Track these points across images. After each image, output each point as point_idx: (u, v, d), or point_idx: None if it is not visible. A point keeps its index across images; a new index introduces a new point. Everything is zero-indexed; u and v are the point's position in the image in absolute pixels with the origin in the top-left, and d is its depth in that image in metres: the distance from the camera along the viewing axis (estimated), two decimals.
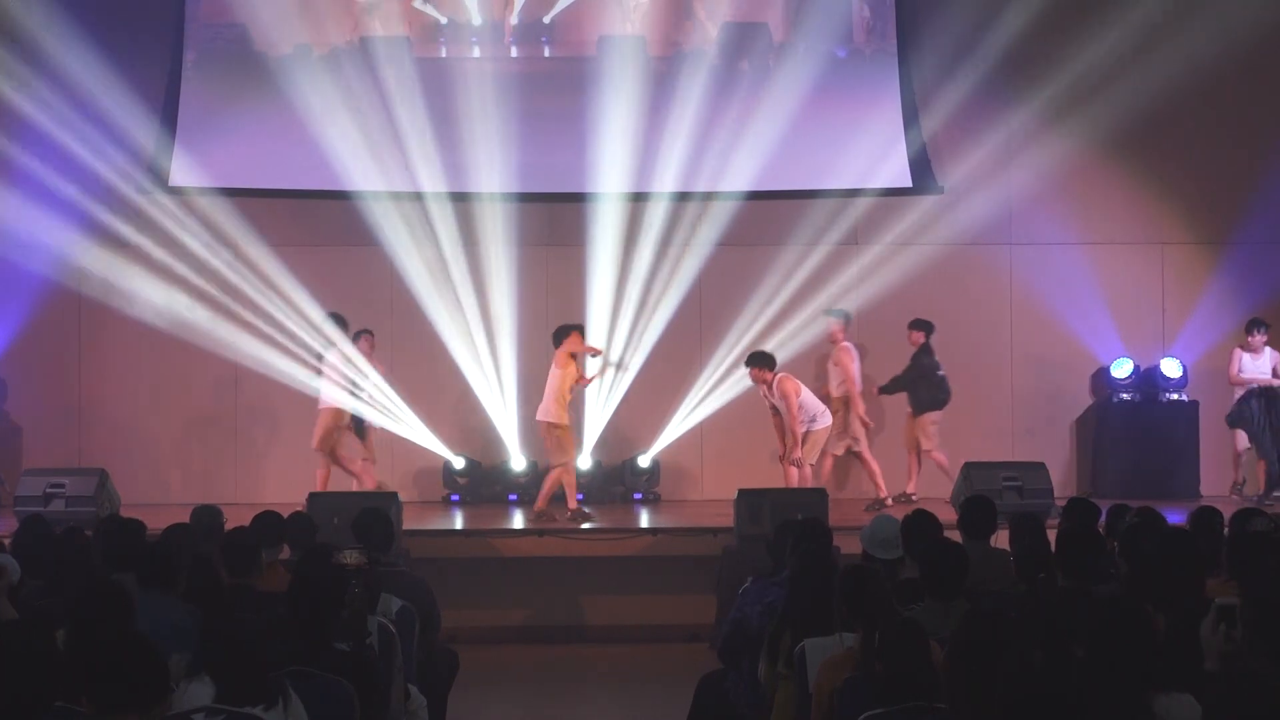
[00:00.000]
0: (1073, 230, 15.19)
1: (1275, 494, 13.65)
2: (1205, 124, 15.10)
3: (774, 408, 13.03)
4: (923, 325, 13.96)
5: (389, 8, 15.25)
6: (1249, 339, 13.95)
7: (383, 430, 14.09)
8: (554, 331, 13.09)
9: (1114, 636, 4.51)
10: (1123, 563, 7.05)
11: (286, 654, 5.29)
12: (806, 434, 12.96)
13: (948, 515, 8.72)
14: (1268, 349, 13.92)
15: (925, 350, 13.92)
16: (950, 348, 14.77)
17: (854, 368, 13.66)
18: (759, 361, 13.10)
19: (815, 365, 14.44)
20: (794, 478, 12.94)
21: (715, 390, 14.43)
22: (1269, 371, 13.87)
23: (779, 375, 12.99)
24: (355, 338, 13.80)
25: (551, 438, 12.93)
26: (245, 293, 14.59)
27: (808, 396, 12.99)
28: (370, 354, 13.75)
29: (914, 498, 13.53)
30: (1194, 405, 14.74)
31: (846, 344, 13.83)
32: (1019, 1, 14.74)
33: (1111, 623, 4.56)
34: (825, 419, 13.07)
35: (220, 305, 14.61)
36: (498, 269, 14.83)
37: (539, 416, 12.98)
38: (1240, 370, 13.91)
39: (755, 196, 14.82)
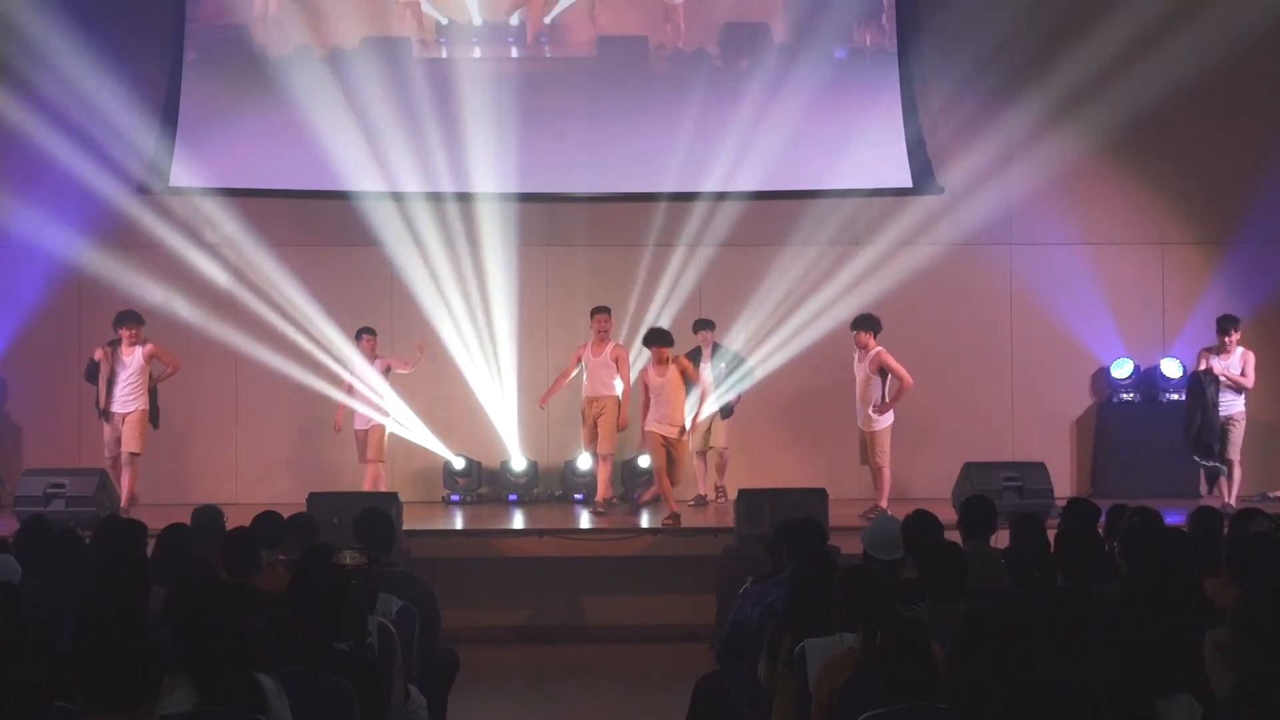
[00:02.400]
0: (1073, 230, 15.19)
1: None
2: (1205, 124, 15.09)
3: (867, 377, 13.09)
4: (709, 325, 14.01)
5: (390, 8, 15.26)
6: (1225, 340, 13.40)
7: (392, 433, 14.07)
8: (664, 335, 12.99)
9: (1123, 639, 4.50)
10: (1123, 563, 7.05)
11: (287, 654, 5.29)
12: (875, 434, 13.03)
13: (948, 515, 8.71)
14: (1239, 349, 13.49)
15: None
16: (950, 348, 14.79)
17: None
18: (870, 325, 13.12)
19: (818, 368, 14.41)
20: (885, 480, 13.10)
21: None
22: (1238, 372, 13.45)
23: (879, 349, 13.02)
24: (357, 337, 13.83)
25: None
26: (246, 292, 14.60)
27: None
28: (372, 354, 13.77)
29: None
30: None
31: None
32: (1019, 1, 14.75)
33: (1121, 625, 4.55)
34: (892, 415, 13.09)
35: (220, 305, 14.63)
36: (498, 269, 14.85)
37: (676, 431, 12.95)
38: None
39: (756, 197, 14.82)
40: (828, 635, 5.86)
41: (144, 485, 13.65)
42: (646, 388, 12.90)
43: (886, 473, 13.10)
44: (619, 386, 13.24)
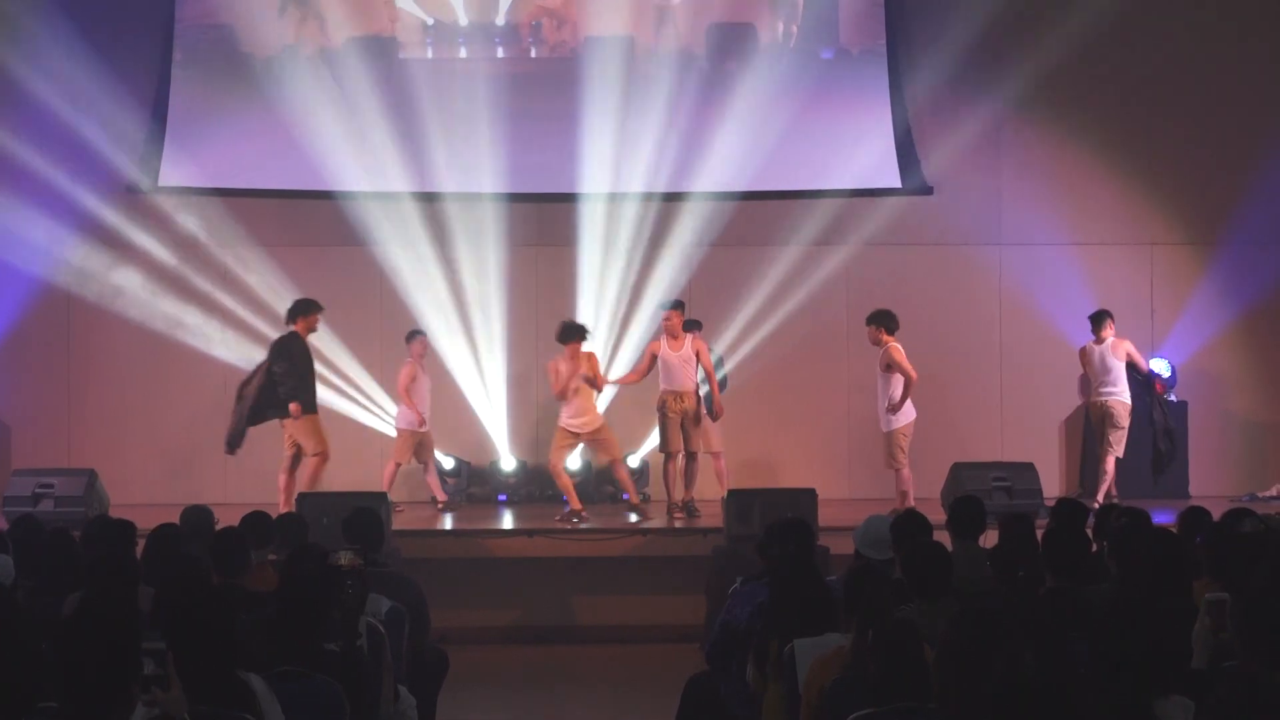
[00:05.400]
0: (1062, 230, 15.20)
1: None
2: (1194, 125, 15.12)
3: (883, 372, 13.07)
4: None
5: (375, 8, 15.25)
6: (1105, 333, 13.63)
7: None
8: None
9: (1120, 640, 4.51)
10: (1113, 564, 7.06)
11: (276, 654, 5.28)
12: (886, 435, 12.99)
13: (937, 515, 8.71)
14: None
15: None
16: (939, 348, 14.79)
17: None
18: (878, 320, 13.01)
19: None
20: (906, 481, 13.00)
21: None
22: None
23: (890, 343, 12.92)
24: (409, 339, 13.89)
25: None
26: (235, 292, 14.60)
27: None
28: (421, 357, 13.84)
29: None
30: (1182, 405, 14.75)
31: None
32: (1008, 2, 14.75)
33: (1117, 626, 4.56)
34: (909, 414, 13.01)
35: (210, 304, 14.63)
36: (487, 269, 14.84)
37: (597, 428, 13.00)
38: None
39: (745, 197, 14.83)
40: (815, 635, 5.86)
41: (134, 485, 13.69)
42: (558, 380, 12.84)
43: (904, 473, 12.99)
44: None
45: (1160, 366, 14.80)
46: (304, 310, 12.69)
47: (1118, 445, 13.50)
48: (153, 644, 4.22)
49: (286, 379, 12.41)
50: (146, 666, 4.17)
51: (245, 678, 4.79)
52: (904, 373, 12.85)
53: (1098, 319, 13.74)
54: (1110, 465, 13.50)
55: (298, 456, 12.61)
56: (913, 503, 12.60)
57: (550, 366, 12.96)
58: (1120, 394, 13.58)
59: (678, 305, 13.19)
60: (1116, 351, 13.59)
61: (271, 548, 8.00)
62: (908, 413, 12.99)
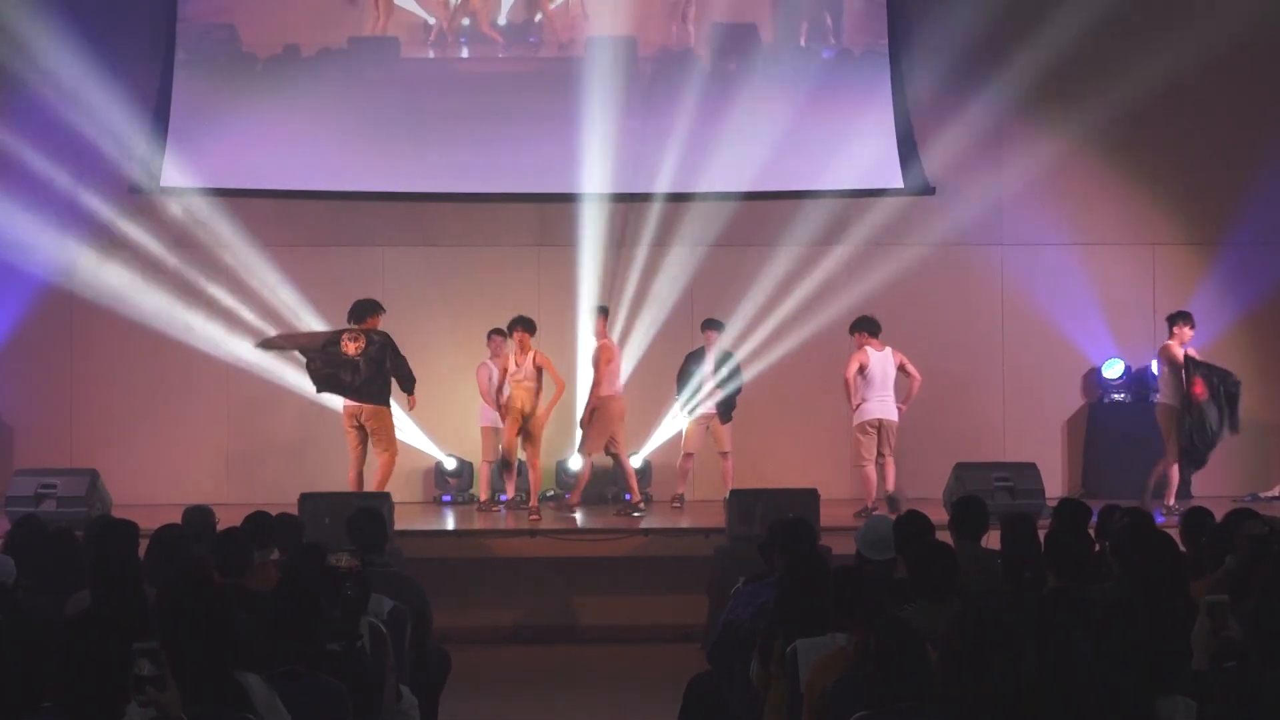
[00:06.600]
0: (1064, 231, 15.21)
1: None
2: (1197, 124, 15.12)
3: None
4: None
5: (377, 8, 15.24)
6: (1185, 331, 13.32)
7: None
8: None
9: (1123, 639, 4.50)
10: (1115, 563, 7.05)
11: (276, 654, 5.28)
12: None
13: (940, 516, 8.71)
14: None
15: None
16: (941, 348, 14.80)
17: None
18: (857, 327, 13.43)
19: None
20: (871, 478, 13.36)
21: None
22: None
23: (862, 348, 13.28)
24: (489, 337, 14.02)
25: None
26: (237, 292, 14.60)
27: (867, 381, 13.23)
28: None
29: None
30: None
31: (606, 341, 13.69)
32: (1010, 2, 14.75)
33: (1120, 625, 4.55)
34: (860, 414, 13.28)
35: (211, 304, 14.62)
36: (489, 269, 14.84)
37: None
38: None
39: (746, 197, 14.83)
40: (819, 635, 5.86)
41: (136, 486, 13.68)
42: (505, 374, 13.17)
43: (863, 472, 13.39)
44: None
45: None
46: (374, 310, 12.73)
47: (1168, 449, 13.25)
48: (145, 644, 4.17)
49: (402, 373, 12.57)
50: (142, 667, 4.14)
51: (241, 677, 4.78)
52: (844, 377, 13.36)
53: (1168, 321, 13.44)
54: (1172, 473, 13.21)
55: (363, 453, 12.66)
56: (870, 503, 13.10)
57: (499, 364, 13.36)
58: (1157, 397, 13.60)
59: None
60: (1160, 355, 13.46)
61: (274, 548, 8.00)
62: (860, 413, 13.33)
